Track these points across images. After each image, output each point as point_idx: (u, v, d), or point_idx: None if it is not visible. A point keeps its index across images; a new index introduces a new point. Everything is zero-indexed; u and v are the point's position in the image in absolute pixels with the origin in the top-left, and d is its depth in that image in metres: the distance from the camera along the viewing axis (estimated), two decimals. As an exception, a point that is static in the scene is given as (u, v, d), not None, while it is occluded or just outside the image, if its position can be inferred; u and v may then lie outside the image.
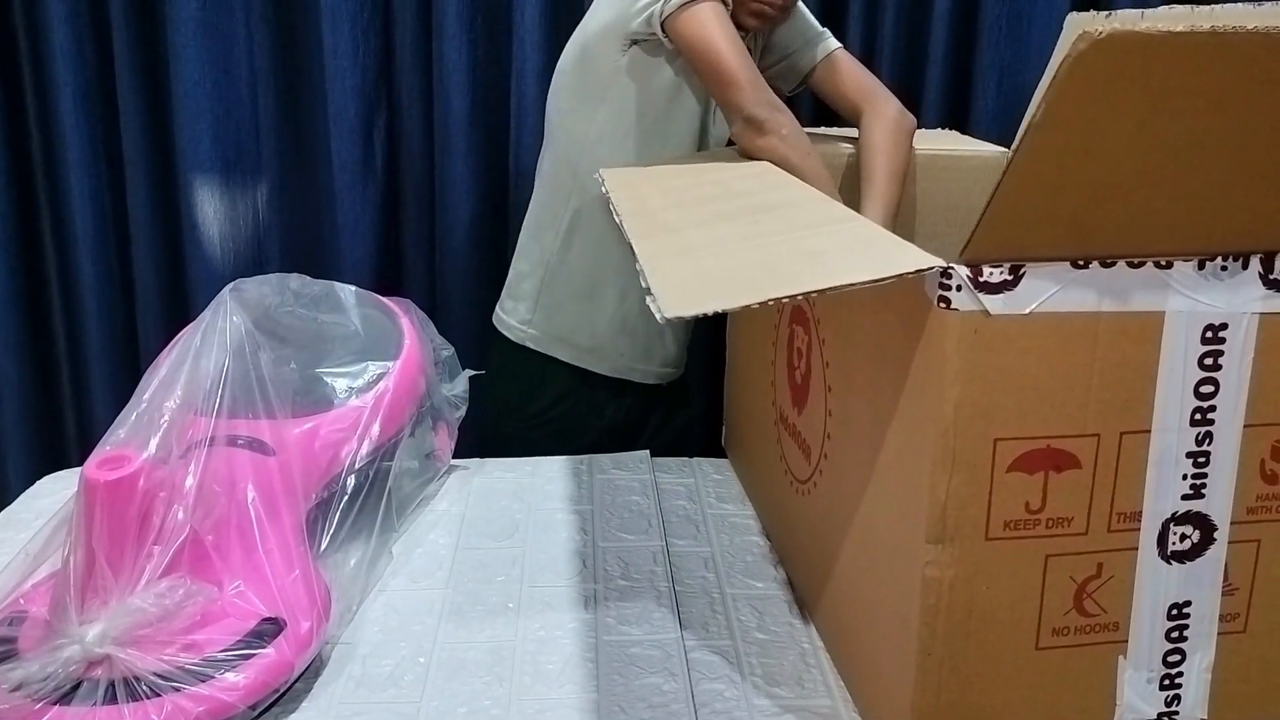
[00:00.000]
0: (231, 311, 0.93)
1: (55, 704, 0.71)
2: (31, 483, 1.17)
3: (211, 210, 1.65)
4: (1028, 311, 0.61)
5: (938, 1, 1.61)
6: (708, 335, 1.72)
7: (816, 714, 0.80)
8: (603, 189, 1.04)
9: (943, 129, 1.42)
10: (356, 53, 1.58)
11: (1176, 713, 0.71)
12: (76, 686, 0.71)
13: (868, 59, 1.64)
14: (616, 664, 0.86)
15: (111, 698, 0.71)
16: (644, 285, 0.67)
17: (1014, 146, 0.54)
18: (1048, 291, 0.60)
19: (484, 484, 1.19)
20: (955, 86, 1.65)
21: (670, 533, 1.08)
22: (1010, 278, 0.60)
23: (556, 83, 1.33)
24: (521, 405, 1.41)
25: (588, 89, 1.26)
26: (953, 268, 0.60)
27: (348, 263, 1.66)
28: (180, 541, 0.78)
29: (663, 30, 1.13)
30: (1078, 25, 1.07)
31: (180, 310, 1.66)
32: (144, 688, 0.72)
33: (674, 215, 0.92)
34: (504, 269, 1.46)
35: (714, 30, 1.08)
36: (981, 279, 0.60)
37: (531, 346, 1.40)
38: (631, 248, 0.78)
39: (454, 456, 1.19)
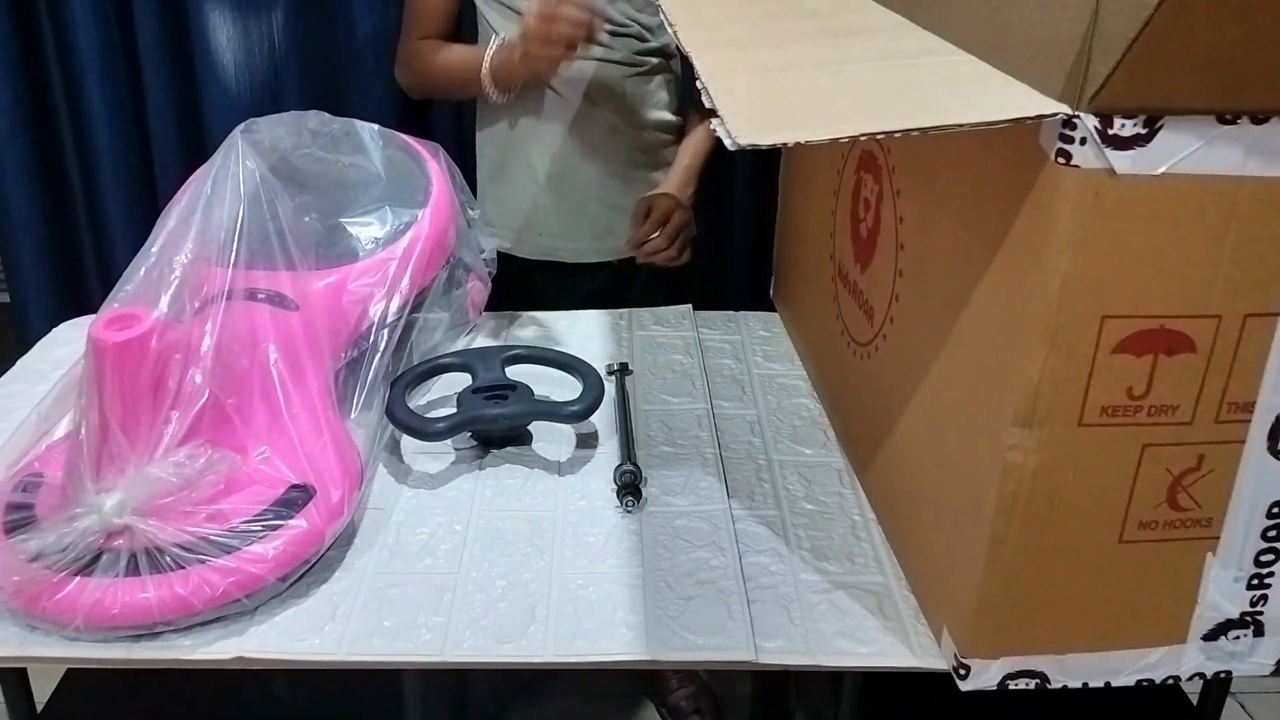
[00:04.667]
0: (244, 155, 0.85)
1: (76, 575, 0.68)
2: (54, 325, 1.12)
3: (225, 37, 1.54)
4: (1159, 172, 0.52)
5: None
6: (752, 175, 1.59)
7: (867, 590, 0.76)
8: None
9: None
10: None
11: (1261, 613, 0.66)
12: (97, 557, 0.68)
13: None
14: (662, 537, 0.81)
15: (134, 569, 0.68)
16: (708, 105, 0.58)
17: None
18: (1186, 149, 0.51)
19: (518, 337, 1.13)
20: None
21: (715, 394, 1.03)
22: (1144, 131, 0.51)
23: None
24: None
25: None
26: (1079, 116, 0.51)
27: (371, 94, 1.55)
28: (199, 406, 0.73)
29: None
30: None
31: (197, 143, 1.57)
32: (167, 559, 0.68)
33: (739, 30, 0.80)
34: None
35: None
36: (1111, 131, 0.51)
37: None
38: (690, 62, 0.68)
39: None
